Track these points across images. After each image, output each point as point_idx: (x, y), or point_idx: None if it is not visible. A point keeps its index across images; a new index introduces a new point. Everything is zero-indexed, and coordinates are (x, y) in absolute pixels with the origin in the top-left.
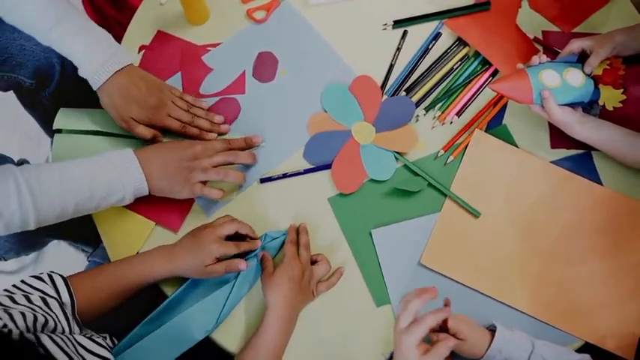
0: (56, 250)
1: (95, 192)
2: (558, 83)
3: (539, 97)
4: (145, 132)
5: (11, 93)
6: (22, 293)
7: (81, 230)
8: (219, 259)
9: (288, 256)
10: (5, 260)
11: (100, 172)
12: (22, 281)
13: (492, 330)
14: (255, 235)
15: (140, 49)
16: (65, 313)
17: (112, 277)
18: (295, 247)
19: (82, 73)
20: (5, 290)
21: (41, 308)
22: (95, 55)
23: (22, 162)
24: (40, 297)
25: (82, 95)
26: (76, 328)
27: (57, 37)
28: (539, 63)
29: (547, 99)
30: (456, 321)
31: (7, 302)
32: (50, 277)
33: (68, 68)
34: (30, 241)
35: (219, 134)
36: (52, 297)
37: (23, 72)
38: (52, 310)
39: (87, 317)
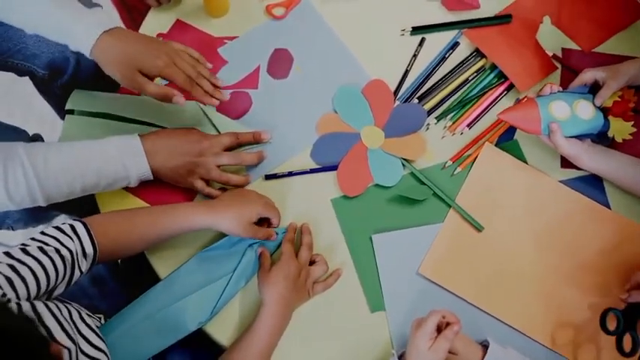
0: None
1: (101, 180)
2: (567, 115)
3: (548, 129)
4: (155, 89)
5: (27, 78)
6: (38, 245)
7: (88, 207)
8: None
9: (285, 255)
10: (13, 230)
11: (106, 163)
12: (42, 232)
13: (485, 346)
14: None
15: (157, 37)
16: (73, 269)
17: (147, 221)
18: (293, 246)
19: (73, 45)
20: (22, 244)
21: (53, 261)
22: (80, 21)
23: (36, 136)
24: (55, 248)
25: (95, 89)
26: (70, 285)
27: (41, 13)
28: (551, 93)
29: (554, 132)
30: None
31: (19, 254)
32: (72, 227)
33: (82, 63)
34: (38, 213)
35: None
36: (66, 248)
37: (37, 62)
38: (64, 264)
39: (112, 258)
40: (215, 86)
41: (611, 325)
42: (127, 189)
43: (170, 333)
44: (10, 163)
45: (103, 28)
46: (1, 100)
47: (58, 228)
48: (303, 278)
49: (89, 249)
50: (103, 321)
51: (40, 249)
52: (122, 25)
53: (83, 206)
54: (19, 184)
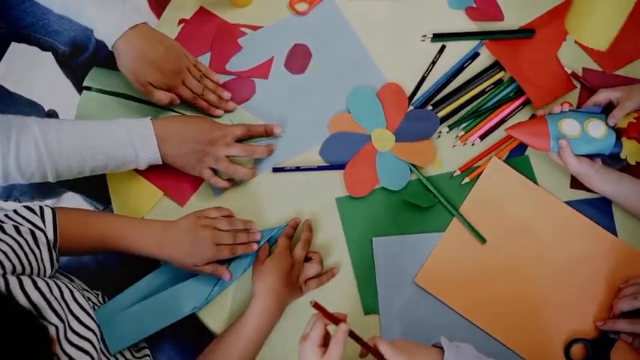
0: (71, 205)
1: (110, 162)
2: (578, 133)
3: (557, 146)
4: (163, 97)
5: (49, 53)
6: (13, 224)
7: (96, 186)
8: None
9: (278, 249)
10: (19, 202)
11: (117, 145)
12: (15, 211)
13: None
14: (254, 229)
15: (180, 22)
16: (50, 251)
17: (100, 235)
18: (289, 241)
19: (97, 33)
20: None
21: (27, 243)
22: (108, 12)
23: (51, 112)
24: (30, 229)
25: (114, 68)
26: (55, 265)
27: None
28: (561, 111)
29: (564, 149)
30: (383, 345)
31: None
32: (41, 209)
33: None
34: (45, 188)
35: (226, 111)
36: (40, 230)
37: (58, 39)
38: (37, 246)
39: (66, 253)
40: (221, 98)
41: (577, 355)
42: (136, 170)
43: (165, 315)
44: (24, 138)
45: (129, 24)
46: (22, 73)
47: (28, 208)
48: (295, 273)
49: (50, 235)
50: (100, 297)
51: (16, 229)
52: (148, 9)
53: (92, 185)
54: (30, 160)
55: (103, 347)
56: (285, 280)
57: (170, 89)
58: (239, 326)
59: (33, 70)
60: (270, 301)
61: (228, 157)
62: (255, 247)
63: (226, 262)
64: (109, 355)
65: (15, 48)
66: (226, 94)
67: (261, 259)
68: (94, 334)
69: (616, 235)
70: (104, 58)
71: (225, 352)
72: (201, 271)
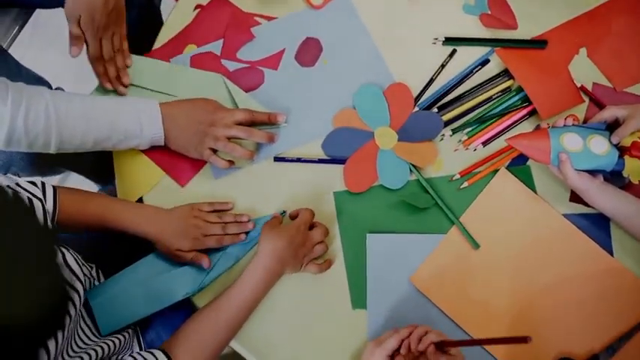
0: (77, 180)
1: (114, 134)
2: (579, 148)
3: (557, 159)
4: (73, 30)
5: None
6: (12, 191)
7: (96, 167)
8: None
9: (300, 220)
10: (19, 177)
11: (123, 118)
12: (17, 184)
13: None
14: (245, 220)
15: (196, 7)
16: (45, 220)
17: (99, 214)
18: (312, 218)
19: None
20: None
21: None
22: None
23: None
24: (28, 197)
25: (140, 27)
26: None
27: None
28: (564, 125)
29: (563, 162)
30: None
31: None
32: (43, 184)
33: None
34: (45, 166)
35: (115, 89)
36: (38, 199)
37: None
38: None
39: (61, 231)
40: (120, 81)
41: None
42: (142, 151)
43: (157, 300)
44: (35, 100)
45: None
46: (39, 45)
47: (31, 182)
48: (304, 251)
49: (49, 207)
50: (94, 271)
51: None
52: None
53: (92, 165)
54: (38, 119)
55: (85, 315)
56: (294, 251)
57: (85, 33)
58: (237, 285)
59: (50, 43)
60: (273, 263)
61: (229, 138)
62: (243, 237)
63: (219, 250)
64: (87, 321)
65: (37, 19)
66: (126, 80)
67: (275, 222)
68: (79, 296)
69: (612, 252)
70: (133, 18)
71: (218, 311)
72: (183, 256)
